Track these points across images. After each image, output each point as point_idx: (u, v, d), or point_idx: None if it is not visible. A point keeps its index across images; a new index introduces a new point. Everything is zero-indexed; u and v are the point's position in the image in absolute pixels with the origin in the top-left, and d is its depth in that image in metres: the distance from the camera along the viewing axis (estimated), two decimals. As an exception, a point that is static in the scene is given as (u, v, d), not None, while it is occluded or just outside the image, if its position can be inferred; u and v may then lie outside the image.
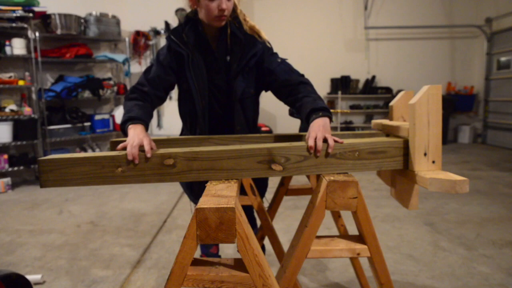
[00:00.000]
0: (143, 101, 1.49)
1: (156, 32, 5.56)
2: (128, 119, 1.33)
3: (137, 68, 5.66)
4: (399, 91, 7.52)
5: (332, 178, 1.07)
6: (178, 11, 5.45)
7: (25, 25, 4.45)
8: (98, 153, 1.12)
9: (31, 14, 4.45)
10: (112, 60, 5.20)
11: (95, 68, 5.49)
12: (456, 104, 7.37)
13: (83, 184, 1.08)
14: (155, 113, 5.86)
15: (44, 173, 1.08)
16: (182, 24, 1.64)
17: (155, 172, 1.09)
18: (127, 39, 5.42)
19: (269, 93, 1.79)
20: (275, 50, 1.76)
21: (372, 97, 7.63)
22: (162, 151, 1.11)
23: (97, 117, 5.19)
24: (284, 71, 1.63)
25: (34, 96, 4.65)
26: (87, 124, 5.08)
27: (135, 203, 3.76)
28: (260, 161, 1.10)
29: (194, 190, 1.80)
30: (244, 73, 1.62)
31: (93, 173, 1.08)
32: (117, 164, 1.08)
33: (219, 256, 2.13)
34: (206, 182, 1.12)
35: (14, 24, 4.39)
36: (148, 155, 1.12)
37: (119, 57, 5.22)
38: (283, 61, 1.67)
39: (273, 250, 1.93)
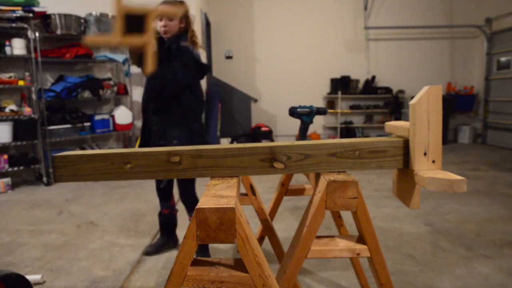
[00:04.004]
0: None
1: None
2: None
3: (137, 68, 5.65)
4: (399, 91, 7.52)
5: (332, 178, 1.07)
6: (178, 11, 5.45)
7: (25, 25, 4.45)
8: (108, 150, 1.17)
9: (31, 14, 4.45)
10: (112, 60, 5.20)
11: (95, 68, 5.48)
12: (456, 104, 7.37)
13: (94, 180, 1.15)
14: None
15: (58, 168, 1.15)
16: None
17: (162, 168, 1.13)
18: (127, 39, 5.42)
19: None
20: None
21: (372, 97, 7.63)
22: (168, 149, 1.14)
23: (97, 117, 5.19)
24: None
25: (34, 96, 4.65)
26: (87, 124, 5.08)
27: (135, 203, 3.76)
28: (262, 159, 1.13)
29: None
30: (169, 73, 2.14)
31: (104, 169, 1.13)
32: (126, 160, 1.12)
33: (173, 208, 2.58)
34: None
35: (14, 24, 4.39)
36: None
37: (119, 57, 5.22)
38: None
39: (273, 250, 1.93)
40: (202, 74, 2.31)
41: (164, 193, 2.53)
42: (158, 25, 2.18)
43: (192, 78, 2.20)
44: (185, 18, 2.24)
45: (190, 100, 2.20)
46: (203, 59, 6.42)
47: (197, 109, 2.26)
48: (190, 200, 2.42)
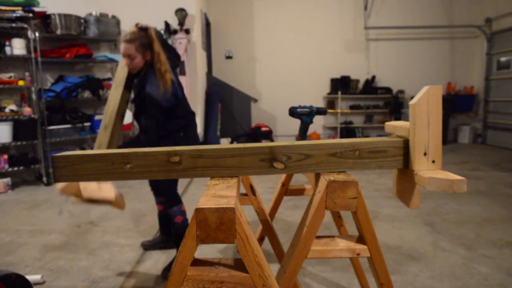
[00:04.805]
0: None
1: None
2: None
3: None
4: (399, 91, 7.52)
5: (332, 178, 1.07)
6: (178, 11, 5.45)
7: (25, 25, 4.45)
8: (108, 150, 1.18)
9: (31, 14, 4.45)
10: (112, 60, 5.20)
11: (95, 68, 5.49)
12: (456, 104, 7.37)
13: (94, 180, 1.15)
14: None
15: (58, 169, 1.15)
16: None
17: (161, 168, 1.13)
18: (127, 39, 5.42)
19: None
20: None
21: (372, 97, 7.63)
22: (168, 149, 1.14)
23: (97, 117, 5.19)
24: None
25: (34, 96, 4.65)
26: (87, 124, 5.08)
27: (135, 203, 3.76)
28: (262, 159, 1.13)
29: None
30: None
31: (104, 169, 1.13)
32: (126, 160, 1.12)
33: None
34: None
35: (14, 24, 4.39)
36: None
37: (119, 57, 5.22)
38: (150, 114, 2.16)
39: (273, 250, 1.93)
40: (177, 104, 2.24)
41: (153, 187, 2.55)
42: (123, 62, 2.17)
43: (164, 117, 2.16)
44: (150, 50, 2.15)
45: (170, 123, 2.23)
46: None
47: (179, 124, 2.28)
48: (169, 195, 2.38)
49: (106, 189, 1.96)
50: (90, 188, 1.98)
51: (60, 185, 1.84)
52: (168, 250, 2.60)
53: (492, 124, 7.29)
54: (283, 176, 1.96)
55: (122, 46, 2.12)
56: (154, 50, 2.14)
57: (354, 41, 7.67)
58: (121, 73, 2.23)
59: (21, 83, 4.54)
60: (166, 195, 2.40)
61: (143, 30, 2.16)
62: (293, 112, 1.57)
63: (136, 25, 2.22)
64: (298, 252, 1.10)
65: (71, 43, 4.96)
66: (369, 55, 7.71)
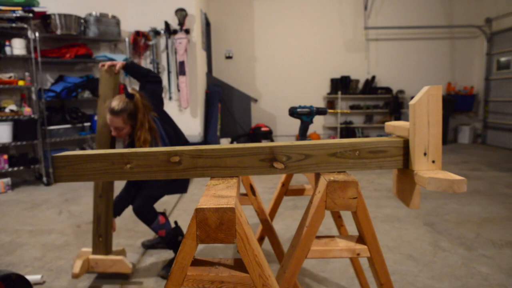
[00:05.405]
0: None
1: (156, 32, 5.56)
2: None
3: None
4: (399, 91, 7.52)
5: (332, 178, 1.07)
6: (178, 11, 5.45)
7: (25, 25, 4.45)
8: (108, 150, 1.17)
9: (31, 14, 4.45)
10: (112, 60, 5.20)
11: (95, 68, 5.48)
12: (456, 104, 7.37)
13: (94, 180, 1.15)
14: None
15: (58, 168, 1.15)
16: None
17: (162, 168, 1.13)
18: (127, 39, 5.42)
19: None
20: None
21: (372, 97, 7.63)
22: (168, 149, 1.14)
23: (97, 117, 5.19)
24: None
25: (34, 96, 4.65)
26: (87, 124, 5.08)
27: (135, 203, 3.76)
28: (262, 159, 1.13)
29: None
30: None
31: (104, 169, 1.13)
32: (126, 160, 1.13)
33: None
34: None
35: (14, 24, 4.39)
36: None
37: (119, 57, 5.22)
38: None
39: (273, 250, 1.93)
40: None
41: (117, 208, 2.36)
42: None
43: None
44: (134, 119, 2.09)
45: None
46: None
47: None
48: (143, 216, 2.26)
49: (121, 264, 2.11)
50: (102, 263, 2.12)
51: (74, 271, 2.01)
52: (168, 250, 2.60)
53: (492, 124, 7.29)
54: (283, 176, 1.96)
55: (109, 118, 2.05)
56: (138, 119, 2.09)
57: (354, 41, 7.67)
58: (103, 137, 2.18)
59: (21, 83, 4.54)
60: (141, 216, 2.26)
61: (129, 97, 2.07)
62: (293, 112, 1.57)
63: (102, 65, 2.11)
64: (298, 252, 1.10)
65: (71, 43, 4.96)
66: (369, 55, 7.71)
